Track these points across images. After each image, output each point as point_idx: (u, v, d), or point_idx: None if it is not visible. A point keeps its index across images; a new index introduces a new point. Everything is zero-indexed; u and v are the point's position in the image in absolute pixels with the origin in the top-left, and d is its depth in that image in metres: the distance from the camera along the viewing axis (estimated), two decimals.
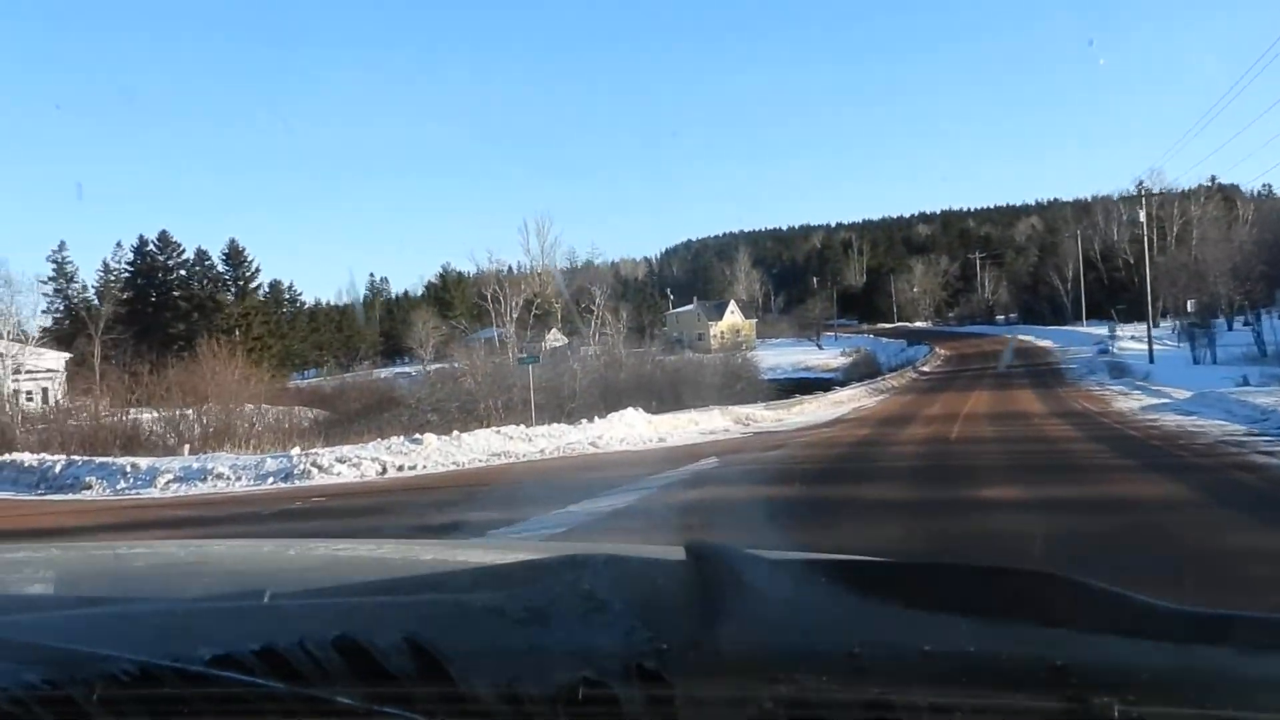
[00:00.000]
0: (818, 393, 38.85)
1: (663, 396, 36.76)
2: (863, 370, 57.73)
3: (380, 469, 17.24)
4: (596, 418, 19.48)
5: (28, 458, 20.69)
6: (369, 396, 39.70)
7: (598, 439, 18.45)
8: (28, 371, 40.62)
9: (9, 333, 34.50)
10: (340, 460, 17.34)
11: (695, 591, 0.75)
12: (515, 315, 65.61)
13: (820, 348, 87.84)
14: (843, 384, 48.21)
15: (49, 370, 42.60)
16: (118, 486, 18.25)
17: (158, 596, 1.25)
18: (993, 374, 42.60)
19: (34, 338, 40.54)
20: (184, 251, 58.84)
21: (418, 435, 18.12)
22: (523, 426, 18.71)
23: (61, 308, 57.69)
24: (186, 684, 0.70)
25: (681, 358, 49.82)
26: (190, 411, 28.14)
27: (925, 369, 51.19)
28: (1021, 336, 72.59)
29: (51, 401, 36.86)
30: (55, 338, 49.40)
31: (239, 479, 17.58)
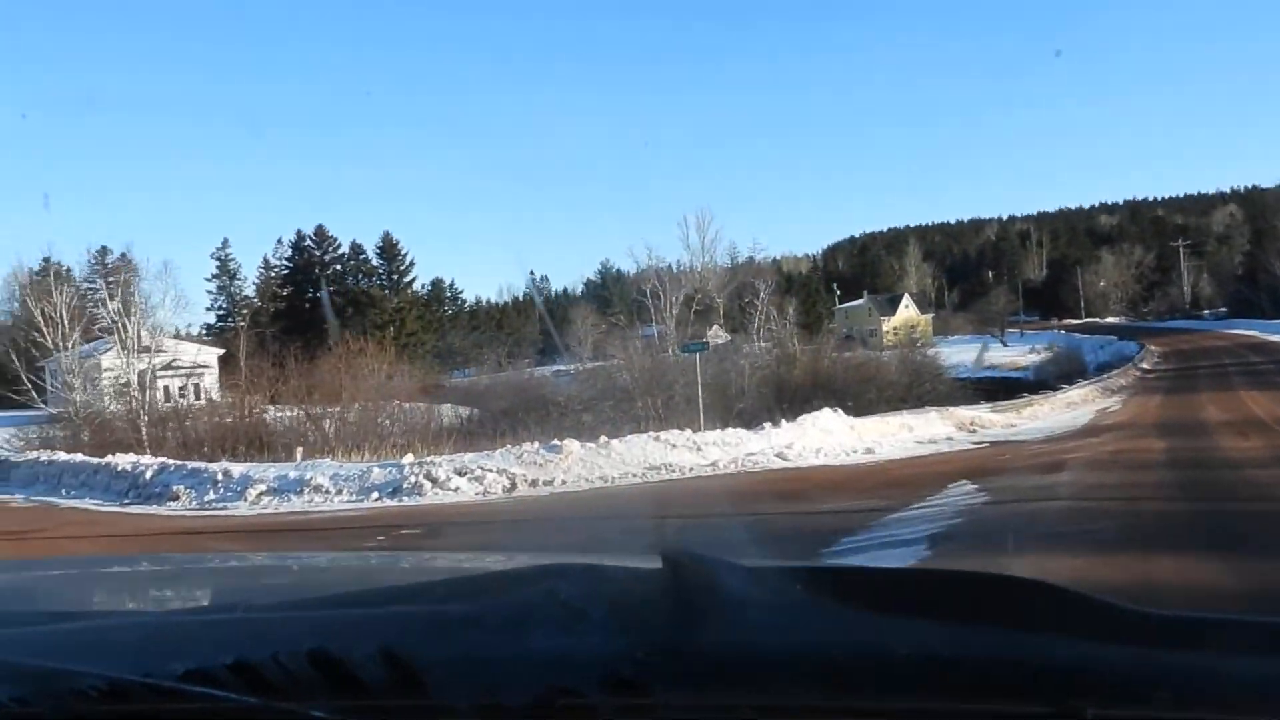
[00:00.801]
0: (1040, 393, 33.16)
1: (842, 396, 31.83)
2: (1062, 368, 51.00)
3: (508, 484, 13.34)
4: (783, 420, 15.04)
5: (122, 462, 17.87)
6: (517, 394, 36.15)
7: (786, 449, 14.04)
8: (179, 367, 39.17)
9: (153, 328, 32.58)
10: (459, 472, 13.53)
11: (672, 600, 0.73)
12: (675, 311, 62.33)
13: (1004, 344, 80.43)
14: (1044, 384, 42.00)
15: (200, 365, 41.12)
16: (205, 498, 15.09)
17: (130, 611, 1.23)
18: (1238, 371, 35.79)
19: (184, 333, 39.13)
20: (339, 246, 57.83)
21: (556, 442, 14.13)
22: (688, 432, 14.47)
23: (224, 304, 57.54)
24: (158, 699, 0.68)
25: (862, 354, 44.64)
26: (330, 410, 25.28)
27: (1145, 366, 44.28)
28: (1246, 332, 63.70)
29: (201, 398, 35.24)
30: (216, 334, 48.67)
31: (339, 492, 14.03)
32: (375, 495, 13.70)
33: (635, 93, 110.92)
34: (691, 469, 13.65)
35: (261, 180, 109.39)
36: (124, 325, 30.01)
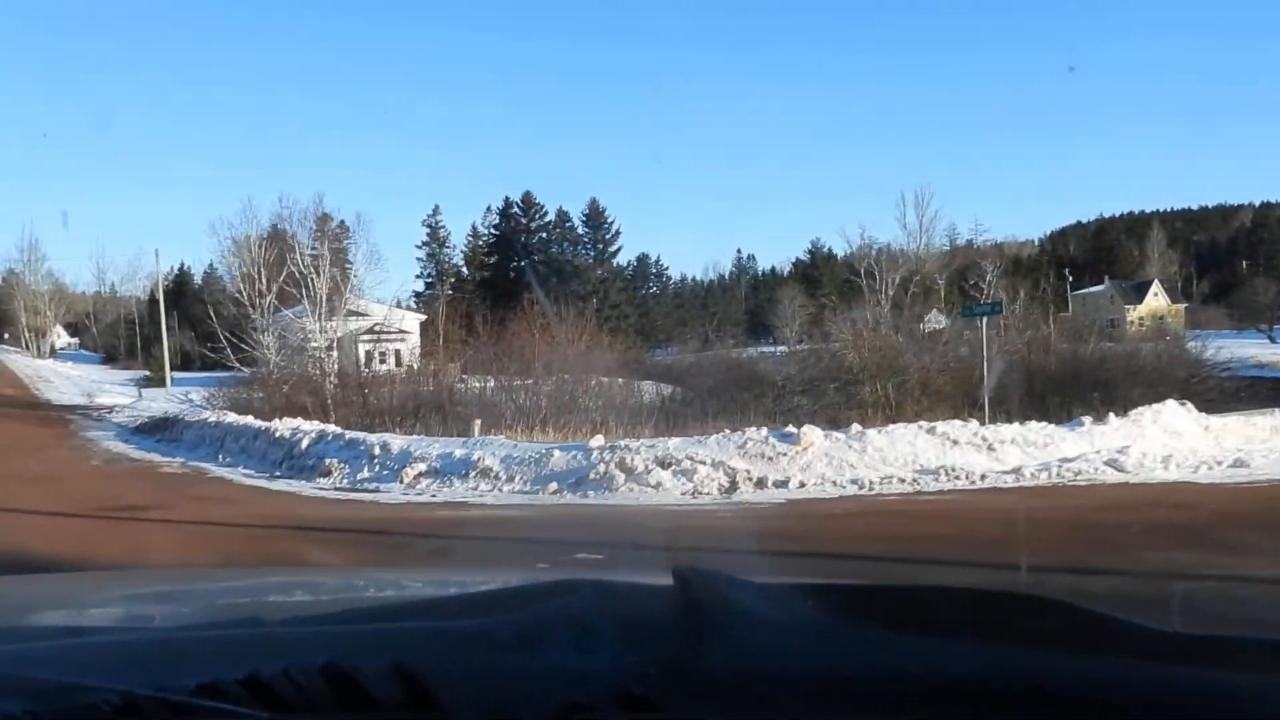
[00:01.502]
0: None
1: (1106, 388, 26.51)
2: None
3: (725, 482, 9.80)
4: (1113, 416, 10.75)
5: (282, 428, 15.56)
6: (725, 373, 32.45)
7: (1119, 454, 9.79)
8: (381, 332, 37.95)
9: (356, 290, 31.04)
10: (662, 462, 10.09)
11: (682, 616, 0.74)
12: (890, 293, 57.70)
13: (1273, 340, 70.30)
14: None
15: (402, 331, 39.81)
16: (358, 475, 12.38)
17: (141, 625, 1.22)
18: None
19: (397, 301, 37.94)
20: (546, 213, 56.24)
21: (791, 429, 10.46)
22: (974, 425, 10.45)
23: (432, 272, 57.12)
24: (170, 714, 0.68)
25: (1127, 344, 38.53)
26: (523, 381, 22.56)
27: None
28: None
29: (401, 364, 33.73)
30: (425, 302, 47.84)
31: (510, 479, 10.92)
32: (553, 486, 10.47)
33: (856, 77, 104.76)
34: (984, 475, 9.66)
35: (475, 148, 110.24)
36: (333, 289, 28.44)
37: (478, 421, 15.68)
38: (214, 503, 11.02)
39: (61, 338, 78.99)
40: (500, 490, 10.83)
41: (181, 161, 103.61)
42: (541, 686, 0.68)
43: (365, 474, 12.47)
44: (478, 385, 23.43)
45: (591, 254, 55.22)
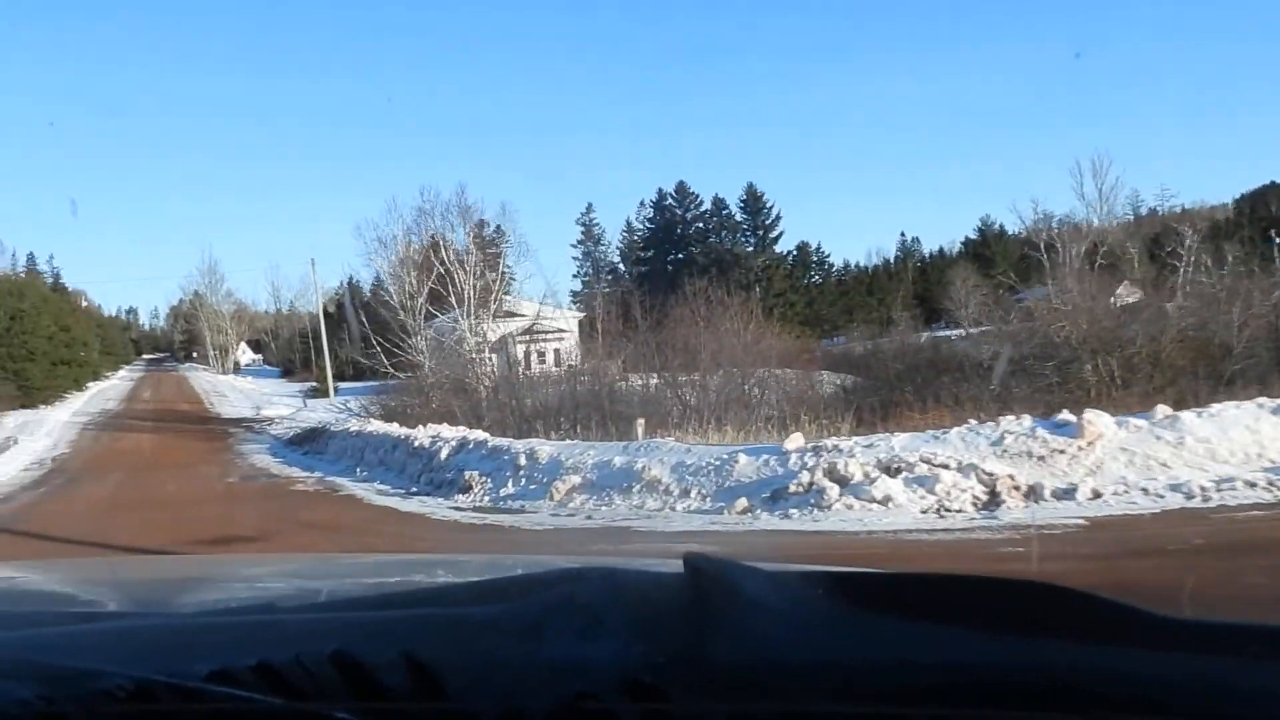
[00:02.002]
0: None
1: None
2: None
3: (983, 492, 7.06)
4: None
5: (421, 436, 13.64)
6: (910, 357, 29.01)
7: None
8: (539, 333, 36.36)
9: (515, 292, 29.44)
10: (888, 468, 7.44)
11: (692, 605, 0.72)
12: (1076, 266, 52.71)
13: None
14: None
15: (560, 330, 38.08)
16: (501, 491, 10.21)
17: (154, 612, 1.20)
18: None
19: (545, 299, 36.24)
20: (701, 203, 53.61)
21: (1067, 416, 7.59)
22: None
23: (588, 270, 55.65)
24: (182, 700, 0.68)
25: None
26: (688, 377, 20.14)
27: None
28: None
29: (561, 364, 31.99)
30: (581, 301, 46.27)
31: (684, 493, 8.47)
32: (742, 503, 7.93)
33: (1019, 39, 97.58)
34: None
35: (627, 141, 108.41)
36: (483, 286, 26.81)
37: (640, 422, 13.29)
38: (328, 531, 9.05)
39: (246, 354, 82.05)
40: (673, 509, 8.38)
41: (350, 173, 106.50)
42: (549, 675, 0.67)
43: (509, 489, 10.28)
44: (639, 383, 21.14)
45: (751, 242, 52.31)
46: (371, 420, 18.28)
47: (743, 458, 8.57)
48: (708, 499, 8.34)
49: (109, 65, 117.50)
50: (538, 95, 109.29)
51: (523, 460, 10.51)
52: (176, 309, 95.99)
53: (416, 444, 13.29)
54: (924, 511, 7.07)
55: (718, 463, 8.70)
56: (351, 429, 17.34)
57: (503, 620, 0.74)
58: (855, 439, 8.30)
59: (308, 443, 19.92)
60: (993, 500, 7.03)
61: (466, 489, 10.79)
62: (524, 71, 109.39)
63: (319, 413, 27.94)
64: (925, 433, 8.19)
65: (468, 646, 0.71)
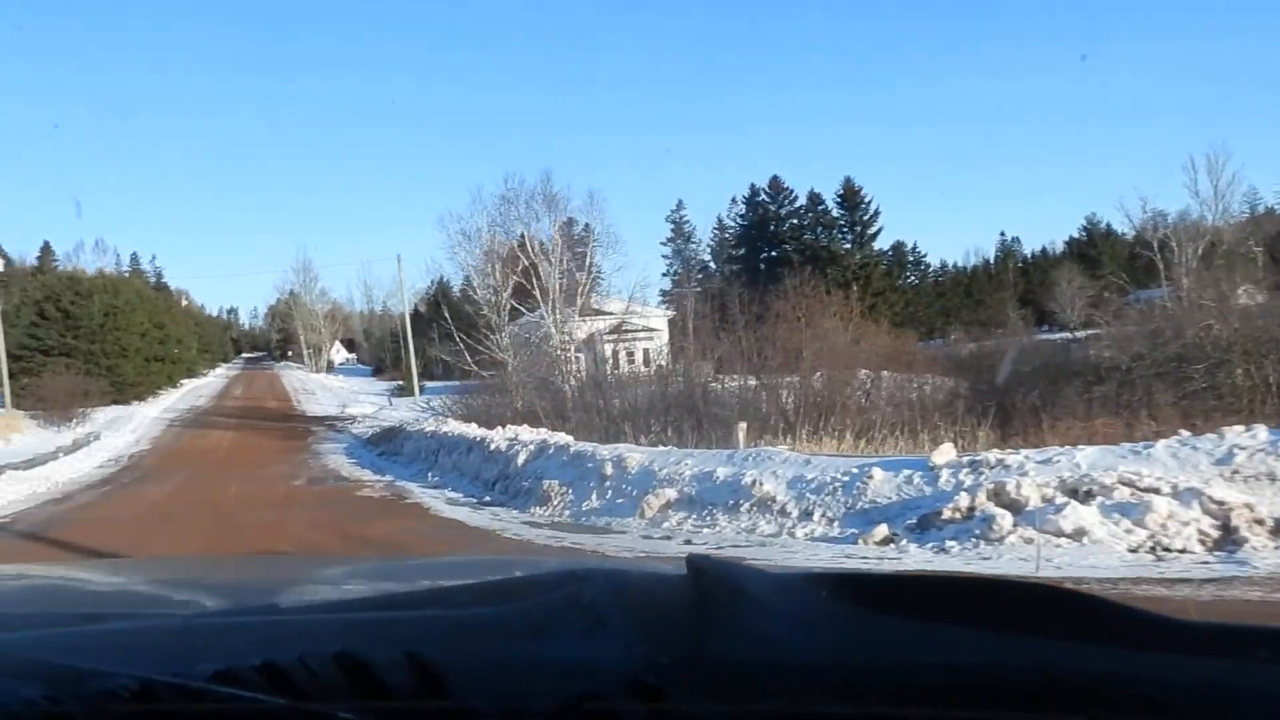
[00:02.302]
0: None
1: None
2: None
3: (1214, 526, 5.32)
4: None
5: (497, 439, 12.27)
6: (1026, 360, 26.54)
7: None
8: (628, 332, 35.02)
9: (603, 291, 28.10)
10: (1072, 491, 5.71)
11: (695, 606, 0.73)
12: (1193, 266, 49.37)
13: None
14: None
15: (649, 329, 36.66)
16: (583, 504, 8.77)
17: (158, 612, 1.18)
18: None
19: (635, 296, 34.86)
20: (796, 198, 51.52)
21: None
22: None
23: (678, 268, 54.09)
24: (187, 700, 0.68)
25: None
26: (785, 379, 18.46)
27: None
28: None
29: (650, 364, 30.56)
30: (671, 300, 44.79)
31: (805, 514, 6.92)
32: (881, 530, 6.31)
33: (1125, 35, 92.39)
34: None
35: (718, 137, 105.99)
36: (569, 280, 25.49)
37: (742, 426, 11.70)
38: (381, 549, 7.70)
39: (340, 353, 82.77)
40: (791, 534, 6.80)
41: (441, 172, 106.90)
42: (553, 676, 0.68)
43: (593, 502, 8.81)
44: (734, 384, 19.54)
45: (848, 239, 50.07)
46: (448, 420, 17.06)
47: (877, 473, 6.92)
48: (835, 523, 6.72)
49: (208, 72, 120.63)
50: (626, 92, 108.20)
51: (609, 469, 9.02)
52: (274, 308, 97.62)
53: (492, 447, 11.94)
54: (1133, 550, 5.35)
55: (845, 478, 7.07)
56: (427, 429, 16.14)
57: (506, 621, 0.74)
58: (1025, 453, 6.57)
59: (384, 443, 18.86)
60: (1227, 537, 5.27)
61: (545, 500, 9.37)
62: (612, 68, 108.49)
63: (401, 412, 27.04)
64: (1119, 446, 6.42)
65: (471, 647, 0.71)
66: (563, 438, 11.26)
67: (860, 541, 6.26)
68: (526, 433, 12.19)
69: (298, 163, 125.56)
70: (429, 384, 38.77)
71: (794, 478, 7.39)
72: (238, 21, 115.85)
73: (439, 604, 0.87)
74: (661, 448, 10.07)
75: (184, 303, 79.92)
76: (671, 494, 8.01)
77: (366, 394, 39.98)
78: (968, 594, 0.76)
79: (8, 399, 28.67)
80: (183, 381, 49.24)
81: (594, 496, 8.89)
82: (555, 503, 9.23)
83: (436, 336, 53.07)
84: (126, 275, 64.60)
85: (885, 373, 21.21)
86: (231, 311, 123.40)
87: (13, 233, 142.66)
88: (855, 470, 7.13)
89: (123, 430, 26.38)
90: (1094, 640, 0.67)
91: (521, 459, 10.80)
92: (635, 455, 9.04)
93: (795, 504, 7.08)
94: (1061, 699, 0.64)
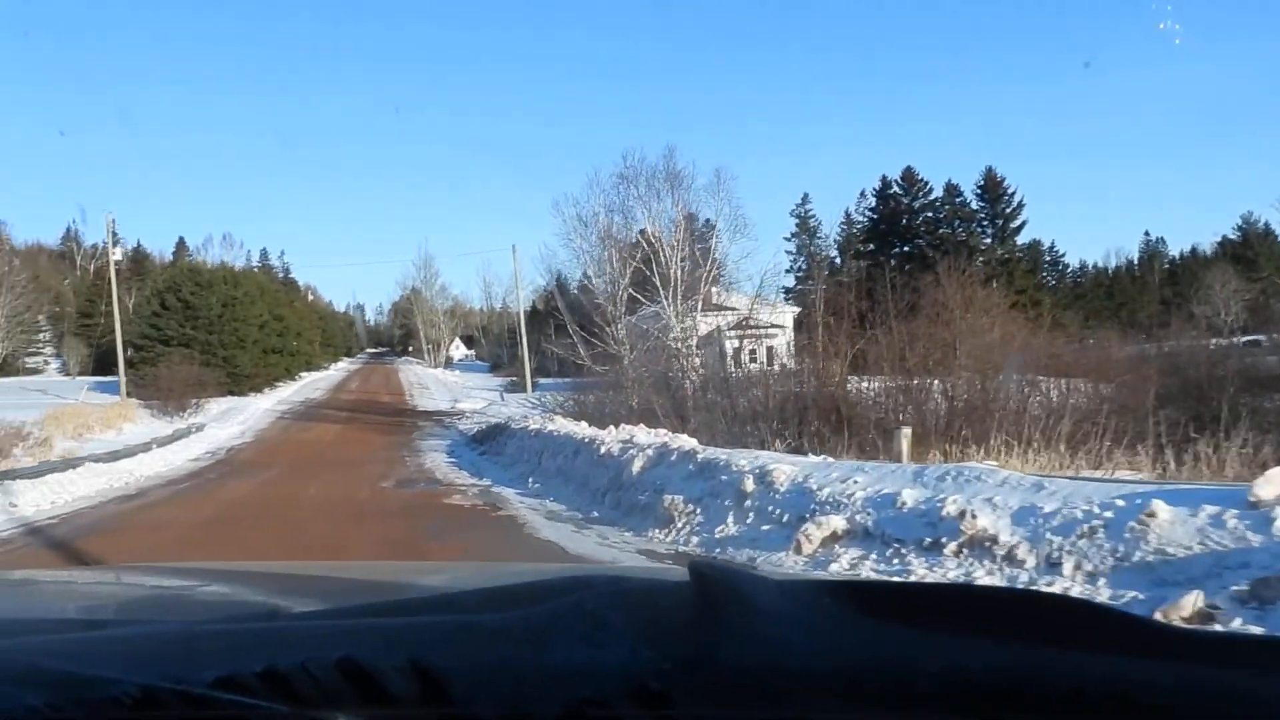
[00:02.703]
0: None
1: None
2: None
3: None
4: None
5: (609, 440, 10.32)
6: (1193, 369, 23.21)
7: None
8: (753, 328, 32.79)
9: (725, 285, 25.96)
10: None
11: (699, 612, 0.72)
12: None
13: None
14: None
15: (774, 326, 34.35)
16: (716, 530, 6.83)
17: (161, 619, 1.19)
18: None
19: (760, 290, 32.65)
20: (931, 190, 48.14)
21: None
22: None
23: (803, 264, 51.41)
24: (189, 706, 0.68)
25: None
26: (927, 381, 16.04)
27: None
28: None
29: (774, 363, 28.33)
30: (796, 296, 42.36)
31: (1048, 566, 4.64)
32: (1194, 601, 4.01)
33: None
34: None
35: (845, 129, 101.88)
36: (692, 270, 23.37)
37: (905, 432, 9.49)
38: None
39: (459, 349, 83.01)
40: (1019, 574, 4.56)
41: (561, 166, 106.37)
42: (556, 681, 0.67)
43: (730, 527, 6.78)
44: (874, 384, 17.16)
45: (989, 232, 46.53)
46: (555, 418, 15.23)
47: (1162, 509, 4.65)
48: (1100, 581, 4.50)
49: (332, 72, 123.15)
50: (749, 86, 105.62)
51: (750, 484, 6.94)
52: (396, 305, 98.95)
53: (603, 450, 9.99)
54: None
55: (1107, 514, 4.81)
56: (531, 427, 14.34)
57: (510, 626, 0.73)
58: None
59: (488, 441, 17.22)
60: None
61: (666, 521, 7.36)
62: (735, 62, 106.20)
63: (510, 408, 25.52)
64: None
65: (474, 653, 0.71)
66: (687, 441, 9.22)
67: (1158, 614, 3.99)
68: (643, 434, 10.21)
69: (423, 158, 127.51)
70: (543, 380, 37.41)
71: (1022, 509, 5.17)
72: (366, 17, 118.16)
73: (442, 609, 0.85)
74: (813, 458, 7.93)
75: (310, 298, 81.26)
76: (839, 523, 5.89)
77: (480, 389, 38.86)
78: (973, 602, 0.75)
79: (123, 388, 28.35)
80: (302, 374, 49.24)
81: (730, 519, 6.84)
82: (679, 525, 7.21)
83: (552, 331, 52.05)
84: (256, 269, 65.65)
85: (1035, 377, 18.44)
86: (358, 308, 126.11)
87: (153, 229, 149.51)
88: (1121, 503, 4.86)
89: (231, 422, 25.60)
90: (1099, 649, 0.66)
91: (637, 466, 8.81)
92: (784, 468, 6.92)
93: (1030, 548, 4.87)
94: (1066, 707, 0.63)
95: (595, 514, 8.56)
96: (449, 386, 42.27)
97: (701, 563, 0.76)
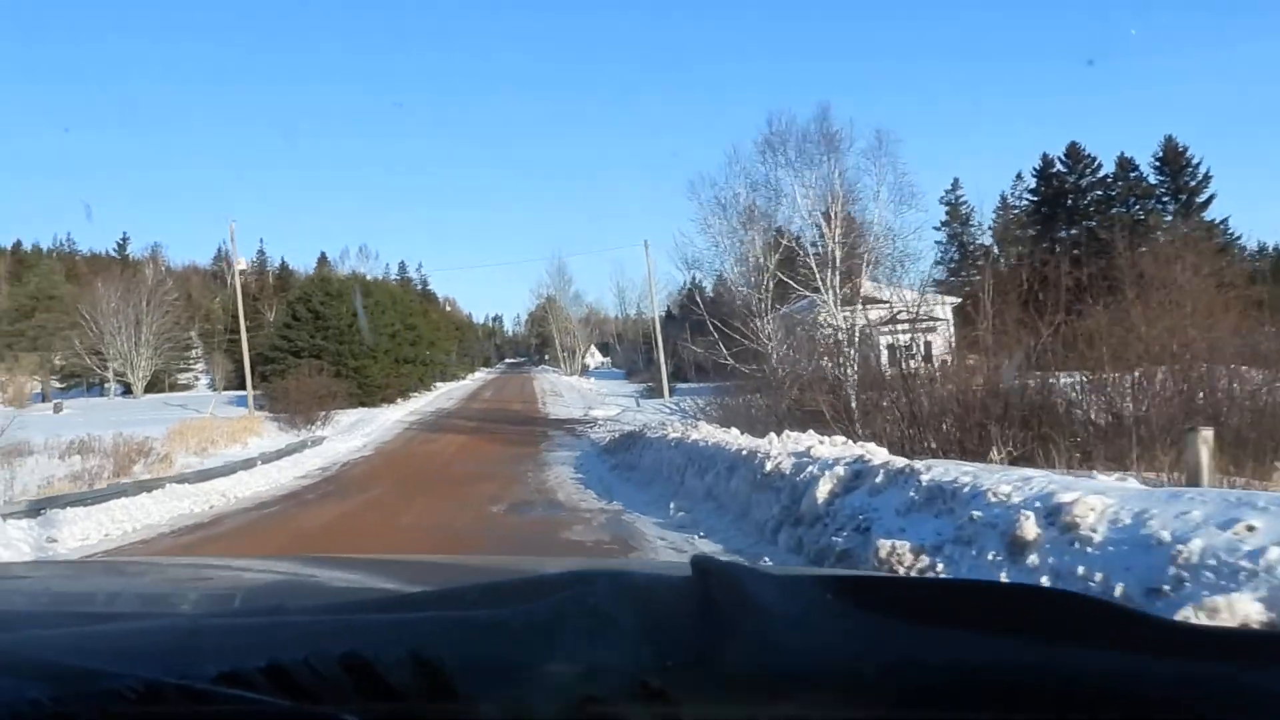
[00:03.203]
0: None
1: None
2: None
3: None
4: None
5: (776, 452, 7.69)
6: None
7: None
8: (910, 321, 29.43)
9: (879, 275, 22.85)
10: None
11: (701, 608, 0.72)
12: None
13: None
14: None
15: (932, 319, 30.80)
16: None
17: (163, 612, 1.19)
18: None
19: (922, 284, 29.40)
20: (1099, 166, 43.28)
21: None
22: None
23: (955, 254, 47.32)
24: (192, 701, 0.67)
25: None
26: (1135, 375, 12.81)
27: None
28: None
29: (934, 360, 25.08)
30: (948, 288, 38.67)
31: None
32: None
33: None
34: None
35: (1000, 107, 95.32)
36: (852, 266, 20.36)
37: (1206, 436, 6.55)
38: None
39: (595, 357, 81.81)
40: None
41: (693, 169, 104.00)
42: (558, 678, 0.66)
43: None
44: (1067, 380, 13.94)
45: (1170, 209, 41.42)
46: (700, 425, 12.69)
47: None
48: None
49: (482, 88, 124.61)
50: (894, 61, 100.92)
51: (1030, 526, 4.24)
52: (532, 314, 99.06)
53: (769, 467, 7.37)
54: None
55: None
56: (670, 436, 11.81)
57: (512, 622, 0.73)
58: None
59: (621, 451, 14.82)
60: None
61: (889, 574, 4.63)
62: (880, 37, 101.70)
63: (645, 414, 23.14)
64: None
65: (477, 648, 0.70)
66: (893, 459, 6.49)
67: None
68: (825, 446, 7.52)
69: (558, 169, 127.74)
70: (679, 385, 35.06)
71: None
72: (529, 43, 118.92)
73: (445, 604, 0.86)
74: (1134, 485, 5.07)
75: (447, 309, 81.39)
76: (1252, 609, 3.10)
77: (615, 396, 36.72)
78: (976, 598, 0.75)
79: (251, 401, 27.39)
80: (437, 384, 48.30)
81: (1001, 577, 4.08)
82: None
83: (688, 334, 49.84)
84: (392, 281, 65.68)
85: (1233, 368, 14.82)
86: (496, 319, 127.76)
87: (299, 247, 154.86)
88: None
89: (355, 434, 24.11)
90: (1103, 643, 0.66)
91: (823, 490, 6.17)
92: (1091, 500, 4.14)
93: None
94: (1070, 701, 0.62)
95: (767, 559, 5.95)
96: (582, 393, 40.35)
97: (704, 559, 0.75)
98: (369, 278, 50.61)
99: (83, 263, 65.86)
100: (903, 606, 0.72)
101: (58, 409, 36.66)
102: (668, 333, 66.24)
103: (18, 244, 69.25)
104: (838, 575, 0.84)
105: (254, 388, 28.67)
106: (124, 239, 71.42)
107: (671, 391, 34.16)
